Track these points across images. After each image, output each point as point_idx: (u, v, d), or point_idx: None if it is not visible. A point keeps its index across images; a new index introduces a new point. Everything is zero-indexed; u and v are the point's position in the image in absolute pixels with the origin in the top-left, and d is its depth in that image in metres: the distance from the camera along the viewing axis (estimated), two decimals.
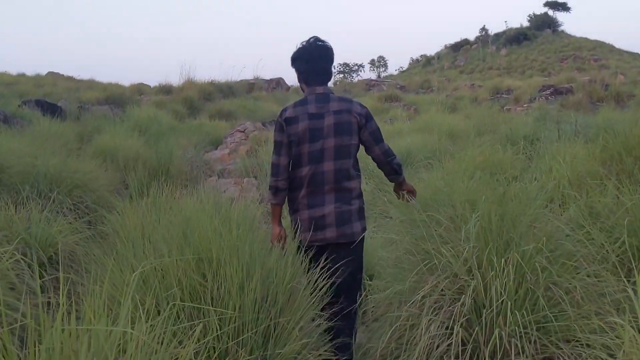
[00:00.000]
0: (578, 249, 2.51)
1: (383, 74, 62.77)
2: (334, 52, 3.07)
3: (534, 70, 39.47)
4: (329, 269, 2.65)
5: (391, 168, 3.05)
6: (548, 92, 17.45)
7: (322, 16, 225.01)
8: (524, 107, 15.60)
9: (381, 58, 75.62)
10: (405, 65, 64.50)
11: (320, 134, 2.87)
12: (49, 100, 14.13)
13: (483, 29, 58.78)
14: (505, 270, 2.26)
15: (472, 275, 2.29)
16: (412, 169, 7.31)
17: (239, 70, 43.66)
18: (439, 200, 3.34)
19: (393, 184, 3.23)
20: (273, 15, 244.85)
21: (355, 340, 2.90)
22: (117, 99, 16.64)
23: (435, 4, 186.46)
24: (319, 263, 2.69)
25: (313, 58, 2.99)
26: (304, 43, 3.03)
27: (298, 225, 2.90)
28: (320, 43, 3.02)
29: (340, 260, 2.79)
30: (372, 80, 30.47)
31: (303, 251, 2.78)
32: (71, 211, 4.90)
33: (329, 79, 3.07)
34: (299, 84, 3.11)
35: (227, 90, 19.93)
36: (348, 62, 70.79)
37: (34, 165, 5.30)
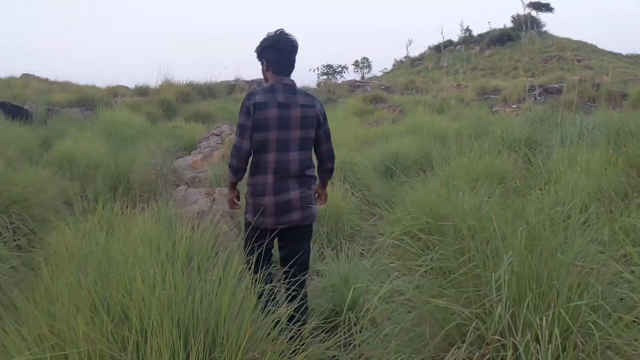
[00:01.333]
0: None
1: (367, 76, 62.13)
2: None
3: (518, 70, 39.12)
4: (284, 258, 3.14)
5: (328, 167, 3.39)
6: (537, 92, 16.98)
7: (305, 17, 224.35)
8: (514, 107, 15.09)
9: (365, 59, 74.99)
10: (389, 67, 64.00)
11: (288, 123, 3.07)
12: (15, 103, 13.24)
13: (466, 29, 58.44)
14: (547, 332, 1.63)
15: (504, 342, 1.65)
16: (403, 176, 6.71)
17: (219, 71, 42.28)
18: (442, 218, 2.72)
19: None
20: (255, 16, 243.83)
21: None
22: (89, 101, 15.79)
23: (418, 5, 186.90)
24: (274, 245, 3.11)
25: (284, 49, 3.17)
26: (272, 34, 3.18)
27: (258, 209, 3.07)
28: (288, 36, 3.19)
29: (304, 239, 3.23)
30: (356, 81, 29.87)
31: (261, 234, 3.00)
32: (8, 230, 4.19)
33: (293, 71, 3.25)
34: (262, 74, 3.27)
35: (207, 91, 19.14)
36: (331, 63, 69.84)
37: None
